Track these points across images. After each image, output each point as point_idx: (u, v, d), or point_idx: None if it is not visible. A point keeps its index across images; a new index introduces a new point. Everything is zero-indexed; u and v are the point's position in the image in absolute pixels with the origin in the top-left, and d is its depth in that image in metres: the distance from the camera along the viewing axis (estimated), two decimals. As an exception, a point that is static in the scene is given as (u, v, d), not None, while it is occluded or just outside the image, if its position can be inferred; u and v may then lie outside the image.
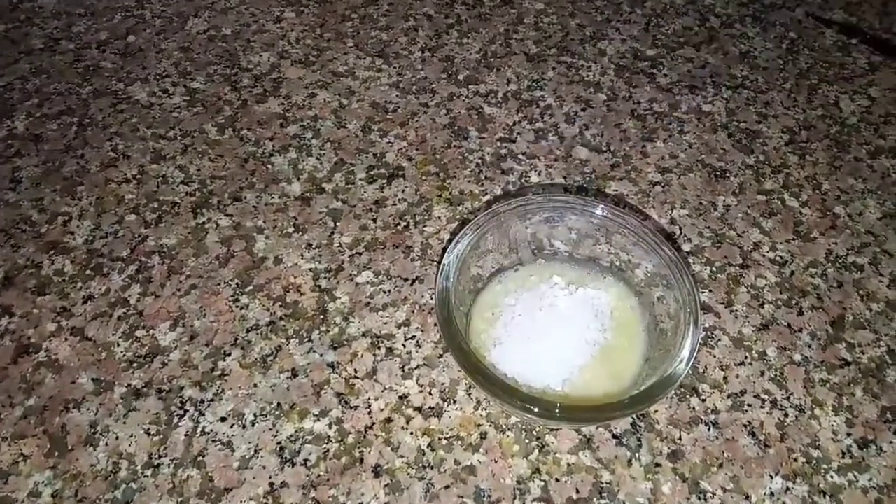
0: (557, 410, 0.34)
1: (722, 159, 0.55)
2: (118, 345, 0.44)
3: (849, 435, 0.41)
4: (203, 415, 0.41)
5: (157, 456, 0.39)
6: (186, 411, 0.41)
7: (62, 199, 0.52)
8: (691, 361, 0.36)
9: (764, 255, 0.49)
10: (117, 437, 0.40)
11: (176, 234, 0.49)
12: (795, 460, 0.40)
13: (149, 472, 0.38)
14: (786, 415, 0.41)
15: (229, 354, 0.43)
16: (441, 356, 0.43)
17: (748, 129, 0.58)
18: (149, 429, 0.40)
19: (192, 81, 0.61)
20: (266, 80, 0.61)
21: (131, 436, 0.40)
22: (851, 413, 0.41)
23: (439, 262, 0.48)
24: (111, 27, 0.67)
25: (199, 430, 0.40)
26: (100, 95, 0.60)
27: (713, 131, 0.57)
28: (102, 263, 0.48)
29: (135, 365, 0.43)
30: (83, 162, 0.54)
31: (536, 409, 0.34)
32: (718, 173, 0.54)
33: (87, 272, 0.47)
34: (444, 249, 0.49)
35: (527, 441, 0.40)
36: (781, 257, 0.49)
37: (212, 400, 0.41)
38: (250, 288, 0.46)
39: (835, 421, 0.41)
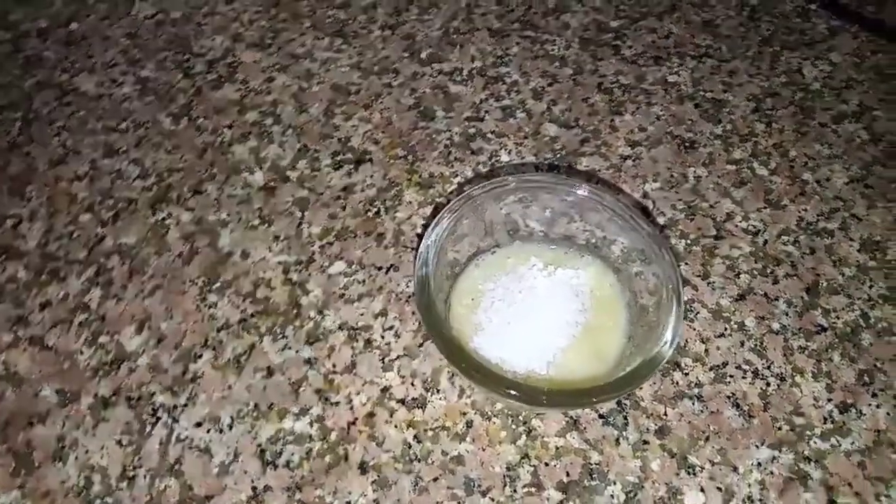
0: (543, 397, 0.34)
1: (690, 130, 0.55)
2: (81, 353, 0.42)
3: (829, 400, 0.41)
4: (177, 421, 0.39)
5: (131, 467, 0.37)
6: (159, 418, 0.39)
7: (10, 201, 0.49)
8: (675, 342, 0.36)
9: (737, 226, 0.49)
10: (87, 451, 0.38)
11: (135, 232, 0.47)
12: (780, 429, 0.40)
13: (124, 485, 0.37)
14: (767, 384, 0.42)
15: (200, 356, 0.41)
16: (421, 345, 0.42)
17: (714, 99, 0.57)
18: (120, 439, 0.38)
19: (141, 70, 0.58)
20: (220, 66, 0.58)
21: (102, 447, 0.38)
22: (830, 378, 0.42)
23: (414, 249, 0.46)
24: (51, 14, 0.63)
25: (175, 437, 0.38)
26: (44, 88, 0.57)
27: (680, 102, 0.57)
28: (58, 267, 0.45)
29: (101, 373, 0.41)
30: (30, 160, 0.51)
31: (522, 396, 0.34)
32: (687, 144, 0.54)
33: (43, 277, 0.45)
34: (419, 235, 0.47)
35: (513, 427, 0.39)
36: (754, 226, 0.49)
37: (185, 405, 0.40)
38: (218, 285, 0.45)
39: (815, 387, 0.42)
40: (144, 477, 0.37)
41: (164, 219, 0.48)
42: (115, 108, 0.55)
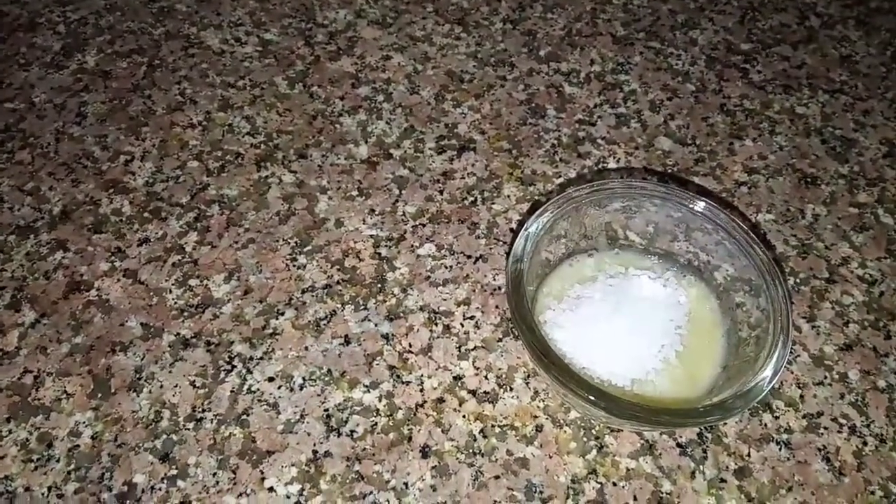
0: (628, 408, 0.32)
1: (814, 165, 0.52)
2: (170, 291, 0.42)
3: (934, 474, 0.37)
4: (251, 372, 0.39)
5: (200, 409, 0.38)
6: (234, 367, 0.39)
7: (126, 139, 0.51)
8: (774, 381, 0.33)
9: (852, 272, 0.46)
10: (161, 386, 0.39)
11: (238, 186, 0.48)
12: (872, 493, 0.37)
13: (191, 426, 0.37)
14: (865, 443, 0.38)
15: (282, 314, 0.42)
16: (500, 340, 0.41)
17: (844, 137, 0.54)
18: (194, 381, 0.39)
19: (265, 32, 0.59)
20: (341, 38, 0.59)
21: (176, 386, 0.39)
22: (938, 450, 0.38)
23: (506, 243, 0.45)
24: (188, -29, 0.66)
25: (246, 387, 0.39)
26: (171, 38, 0.58)
27: (806, 135, 0.54)
28: (161, 207, 0.47)
29: (185, 314, 0.41)
30: (150, 103, 0.53)
31: (602, 403, 0.32)
32: (809, 180, 0.51)
33: (145, 215, 0.46)
34: (512, 230, 0.46)
35: (585, 439, 0.37)
36: (871, 275, 0.46)
37: (261, 358, 0.40)
38: (309, 248, 0.45)
39: (919, 457, 0.38)
40: (211, 421, 0.37)
41: (267, 177, 0.48)
42: (235, 66, 0.56)
